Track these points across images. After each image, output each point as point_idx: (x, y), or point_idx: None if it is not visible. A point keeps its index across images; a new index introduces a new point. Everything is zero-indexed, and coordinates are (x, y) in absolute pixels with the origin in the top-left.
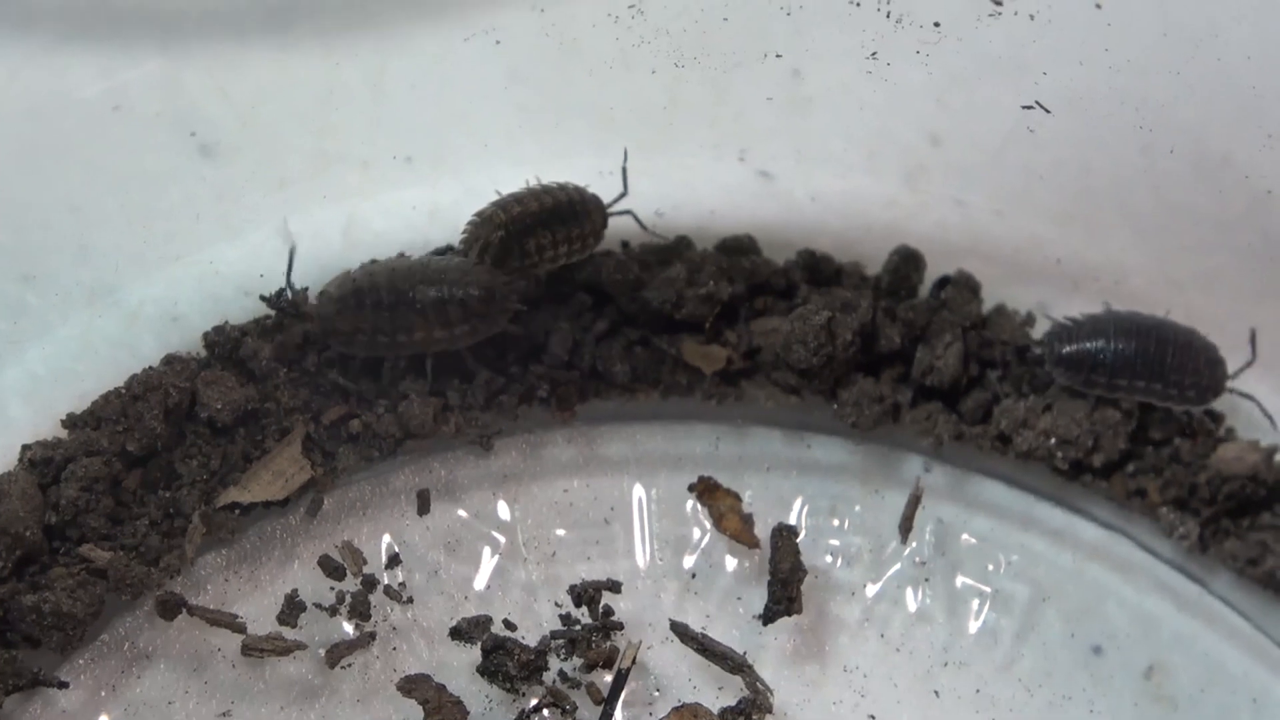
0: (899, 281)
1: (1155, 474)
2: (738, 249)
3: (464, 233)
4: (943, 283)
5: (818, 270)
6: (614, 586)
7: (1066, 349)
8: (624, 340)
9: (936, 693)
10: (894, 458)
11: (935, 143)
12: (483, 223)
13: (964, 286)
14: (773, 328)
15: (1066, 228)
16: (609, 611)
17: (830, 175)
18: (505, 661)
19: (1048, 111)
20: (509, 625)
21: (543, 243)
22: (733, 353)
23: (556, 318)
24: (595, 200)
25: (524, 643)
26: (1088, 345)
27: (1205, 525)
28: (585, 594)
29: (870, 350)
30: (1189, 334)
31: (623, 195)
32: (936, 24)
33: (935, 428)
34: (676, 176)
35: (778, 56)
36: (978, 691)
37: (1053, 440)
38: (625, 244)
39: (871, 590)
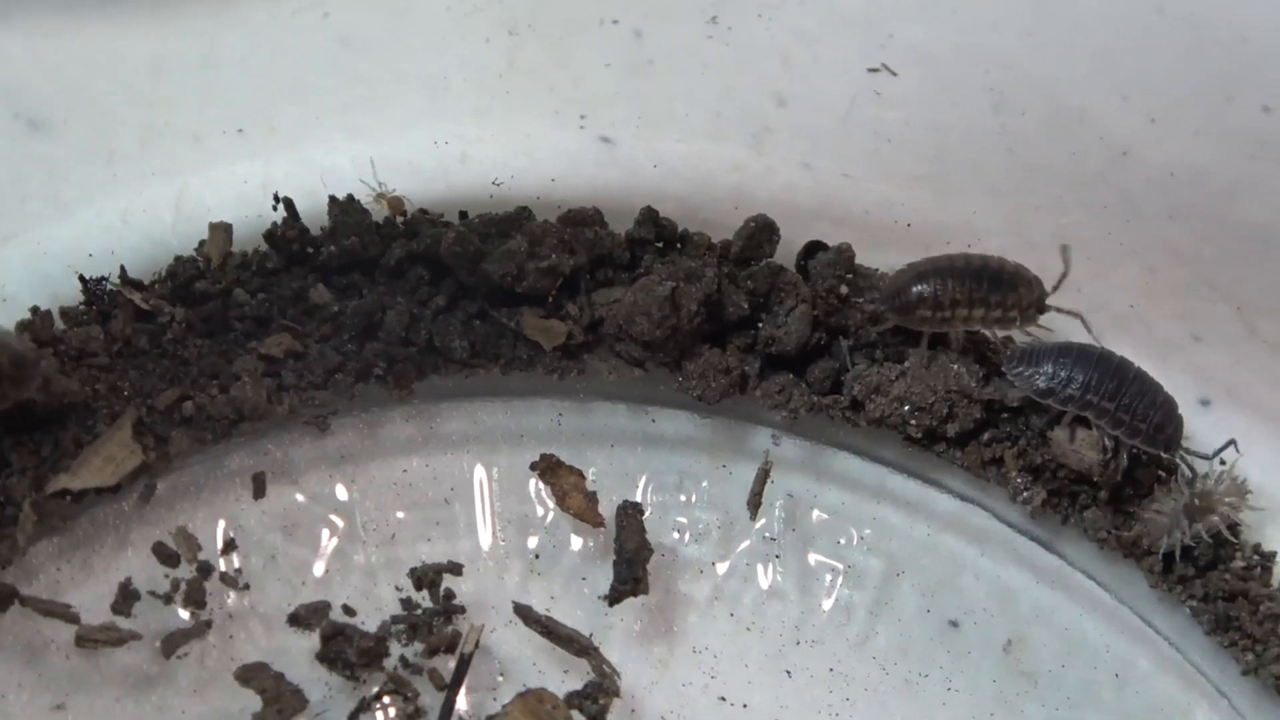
0: (752, 249)
1: (1011, 442)
2: (580, 220)
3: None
4: (812, 249)
5: (661, 235)
6: (455, 569)
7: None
8: (463, 314)
9: (789, 672)
10: (742, 430)
11: (781, 104)
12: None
13: (839, 255)
14: (615, 299)
15: (917, 190)
16: (450, 594)
17: (673, 140)
18: (345, 648)
19: (894, 74)
20: (348, 610)
21: (958, 299)
22: (574, 326)
23: (393, 293)
24: (1027, 275)
25: (364, 629)
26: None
27: (1054, 495)
28: (426, 577)
29: (718, 319)
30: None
31: (1064, 276)
32: None
33: (789, 401)
34: (516, 145)
35: (614, 22)
36: (831, 670)
37: (906, 407)
38: (464, 214)
39: (721, 568)
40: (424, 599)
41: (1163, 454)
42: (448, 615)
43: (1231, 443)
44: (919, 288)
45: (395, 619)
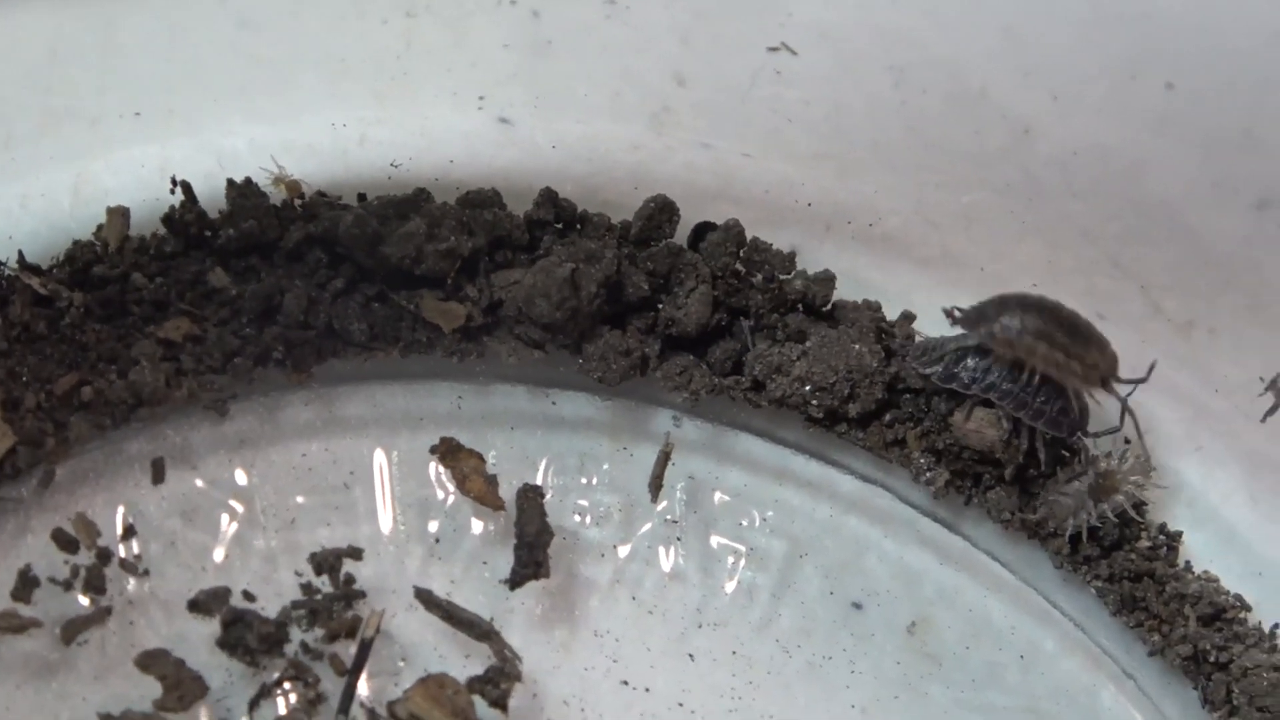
0: (651, 230)
1: (914, 422)
2: (479, 201)
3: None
4: (701, 230)
5: (560, 216)
6: (356, 553)
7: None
8: (361, 297)
9: (691, 655)
10: (643, 412)
11: (681, 84)
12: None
13: (728, 233)
14: (515, 281)
15: (818, 168)
16: (351, 579)
17: (572, 120)
18: (245, 634)
19: (794, 53)
20: (248, 596)
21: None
22: (473, 309)
23: (291, 275)
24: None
25: (264, 614)
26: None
27: (957, 475)
28: (326, 562)
29: (618, 301)
30: None
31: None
32: None
33: (690, 382)
34: (414, 126)
35: (512, 3)
36: (734, 653)
37: (808, 387)
38: (362, 197)
39: (622, 551)
40: (324, 584)
41: (1067, 438)
42: (348, 600)
43: (1125, 408)
44: (1012, 320)
45: (295, 604)
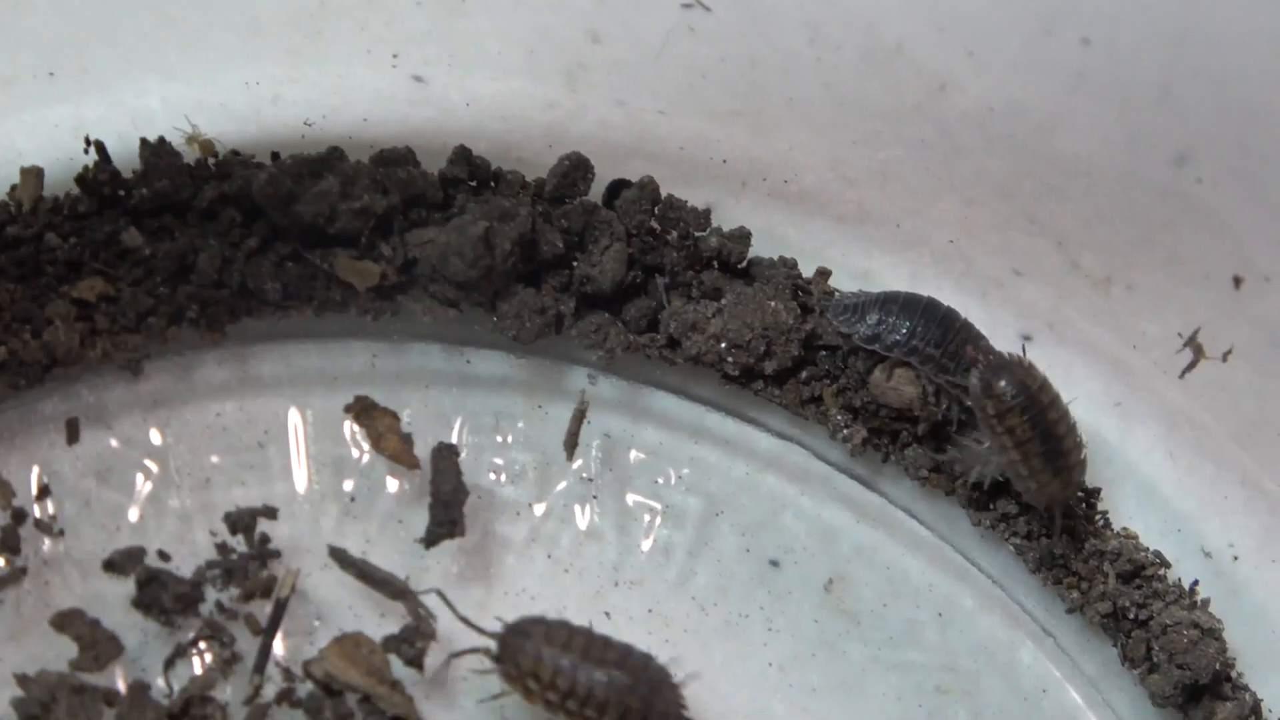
0: (566, 188)
1: (830, 379)
2: (393, 159)
3: None
4: (616, 187)
5: (475, 174)
6: (270, 513)
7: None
8: (275, 256)
9: (607, 614)
10: (558, 370)
11: (595, 40)
12: None
13: (643, 190)
14: (429, 239)
15: (733, 125)
16: (266, 539)
17: (487, 78)
18: (160, 594)
19: (708, 9)
20: (163, 556)
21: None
22: (388, 267)
23: (205, 235)
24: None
25: (179, 574)
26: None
27: (875, 433)
28: (241, 521)
29: (532, 259)
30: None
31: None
32: None
33: (605, 340)
34: (328, 84)
35: None
36: (650, 611)
37: (723, 344)
38: (276, 155)
39: (538, 509)
40: (239, 544)
41: None
42: (263, 560)
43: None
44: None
45: (210, 564)
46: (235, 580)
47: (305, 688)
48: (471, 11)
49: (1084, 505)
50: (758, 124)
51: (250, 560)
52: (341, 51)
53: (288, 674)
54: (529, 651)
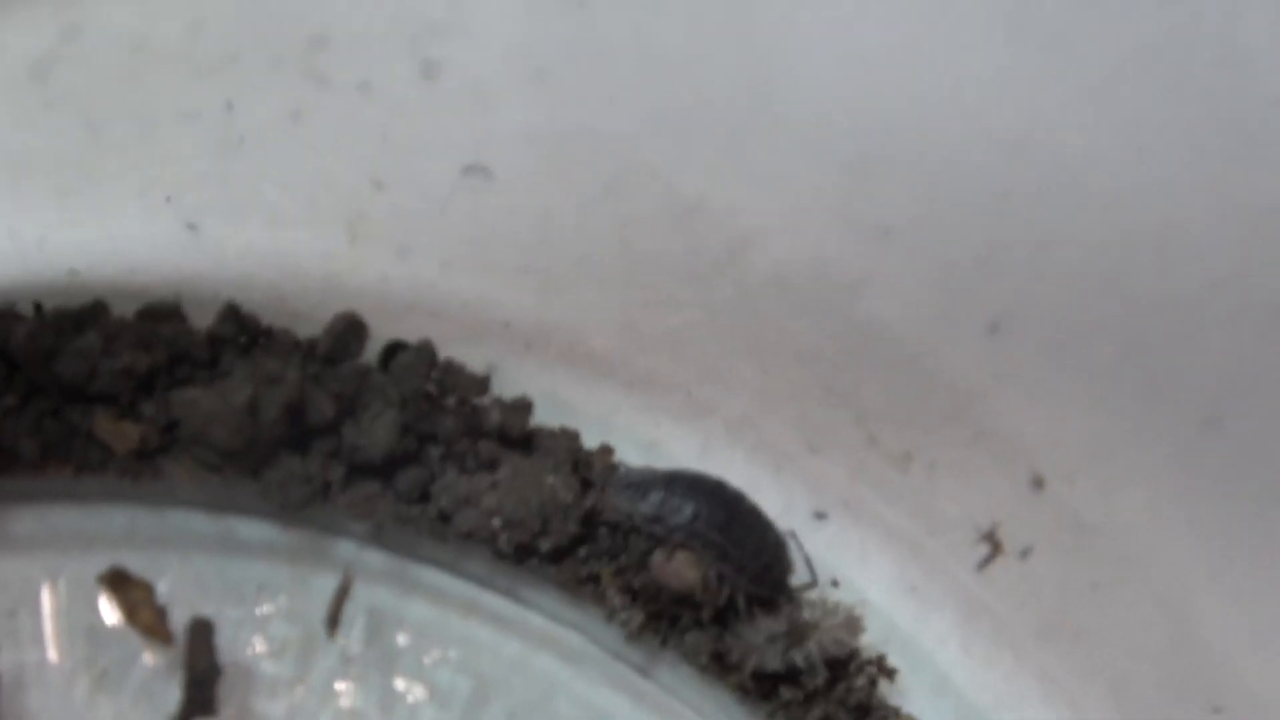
0: (339, 349)
1: (610, 558)
2: (160, 314)
3: None
4: (392, 349)
5: (244, 329)
6: (19, 683)
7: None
8: (34, 413)
9: None
10: (325, 540)
11: (379, 188)
12: None
13: (419, 354)
14: (194, 399)
15: (520, 282)
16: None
17: (262, 226)
18: None
19: (489, 173)
20: None
21: None
22: (149, 429)
23: None
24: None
25: None
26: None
27: (653, 617)
28: None
29: (301, 424)
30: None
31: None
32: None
33: (375, 512)
34: (96, 228)
35: (203, 90)
36: None
37: (497, 521)
38: (38, 306)
39: (299, 689)
40: None
41: (769, 595)
42: None
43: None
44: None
45: None
46: None
47: None
48: (249, 154)
49: (871, 694)
50: (546, 282)
51: None
52: (113, 192)
53: None
54: None
